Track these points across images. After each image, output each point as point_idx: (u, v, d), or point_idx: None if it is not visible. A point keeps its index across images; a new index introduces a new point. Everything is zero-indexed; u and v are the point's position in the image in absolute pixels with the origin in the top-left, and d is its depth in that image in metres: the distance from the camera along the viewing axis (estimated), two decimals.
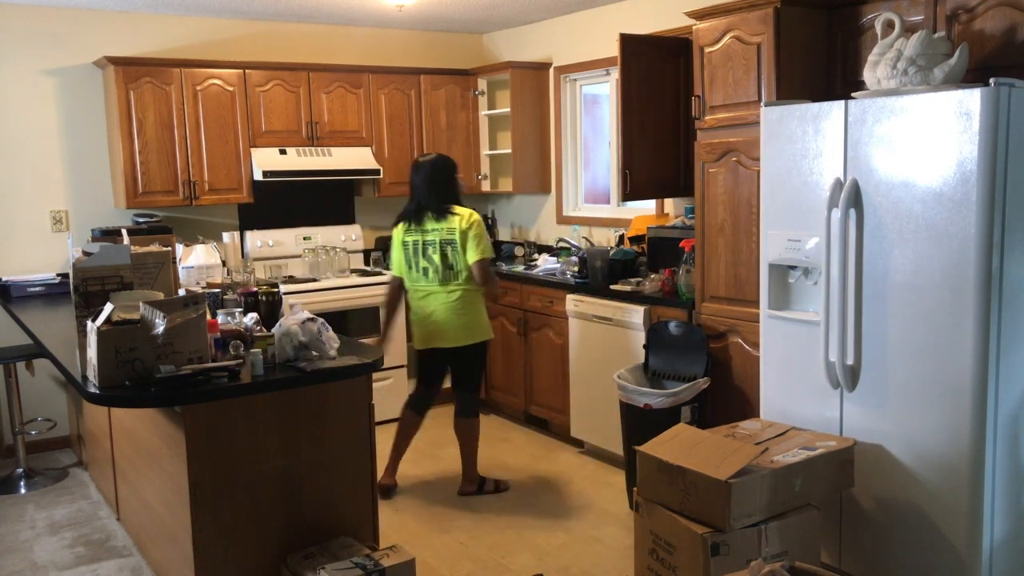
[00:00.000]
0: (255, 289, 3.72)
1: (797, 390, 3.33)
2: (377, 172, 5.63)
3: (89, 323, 2.80)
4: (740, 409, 3.77)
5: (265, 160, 5.31)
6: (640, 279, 4.56)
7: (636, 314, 4.32)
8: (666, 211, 5.06)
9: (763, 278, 3.43)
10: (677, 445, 2.92)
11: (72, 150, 5.20)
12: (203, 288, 4.67)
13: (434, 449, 5.02)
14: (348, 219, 6.02)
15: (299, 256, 5.60)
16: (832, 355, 3.13)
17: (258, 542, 2.97)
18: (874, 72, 3.14)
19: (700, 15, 3.85)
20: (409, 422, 4.40)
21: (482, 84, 6.12)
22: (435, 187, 4.13)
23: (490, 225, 6.21)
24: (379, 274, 5.56)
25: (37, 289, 4.91)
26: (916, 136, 2.84)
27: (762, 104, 3.39)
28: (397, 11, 5.34)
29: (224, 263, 5.29)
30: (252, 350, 3.00)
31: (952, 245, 2.77)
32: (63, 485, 4.64)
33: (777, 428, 3.20)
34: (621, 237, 5.18)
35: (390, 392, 5.46)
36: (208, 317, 2.95)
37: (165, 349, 2.76)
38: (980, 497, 2.80)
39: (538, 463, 4.73)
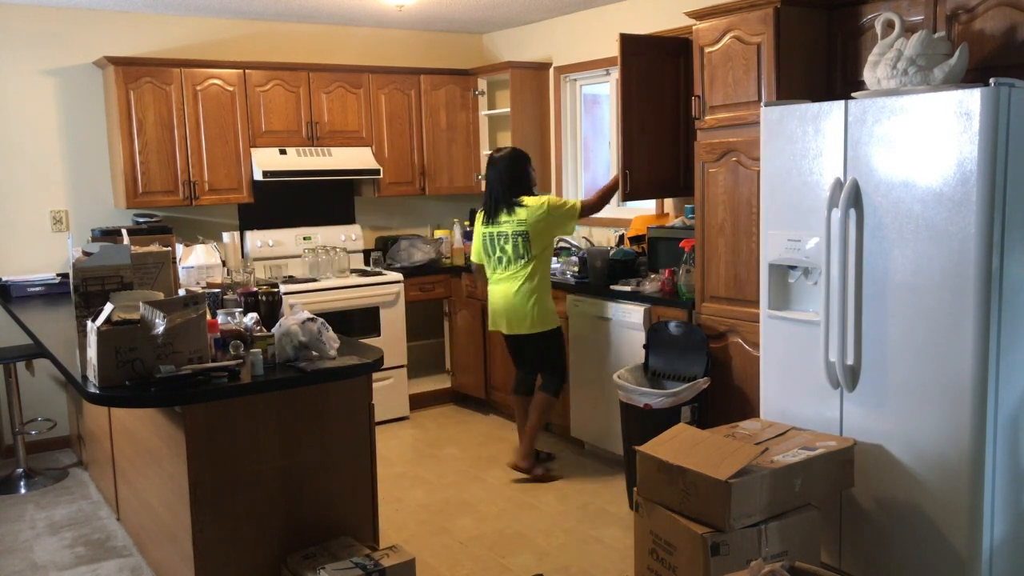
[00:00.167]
0: (255, 289, 3.72)
1: (797, 390, 3.33)
2: (377, 172, 5.63)
3: (89, 323, 2.80)
4: (740, 409, 3.77)
5: (265, 160, 5.31)
6: (640, 279, 4.56)
7: (636, 314, 4.32)
8: (666, 211, 5.06)
9: (763, 278, 3.43)
10: (677, 445, 2.92)
11: (72, 150, 5.20)
12: (203, 288, 4.66)
13: (434, 449, 5.03)
14: (348, 219, 6.02)
15: (299, 256, 5.60)
16: (832, 355, 3.13)
17: (258, 542, 2.97)
18: (874, 72, 3.14)
19: (700, 15, 3.85)
20: (520, 407, 4.60)
21: (482, 84, 6.12)
22: (507, 182, 4.39)
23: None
24: (379, 274, 5.56)
25: (37, 289, 4.91)
26: (916, 136, 2.84)
27: (762, 104, 3.39)
28: (397, 11, 5.34)
29: (224, 263, 5.29)
30: (252, 350, 3.00)
31: (952, 245, 2.77)
32: (63, 485, 4.64)
33: (777, 428, 3.20)
34: (621, 237, 5.18)
35: (390, 392, 5.47)
36: (208, 317, 2.95)
37: (165, 349, 2.76)
38: (980, 497, 2.80)
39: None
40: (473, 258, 4.68)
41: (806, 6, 3.58)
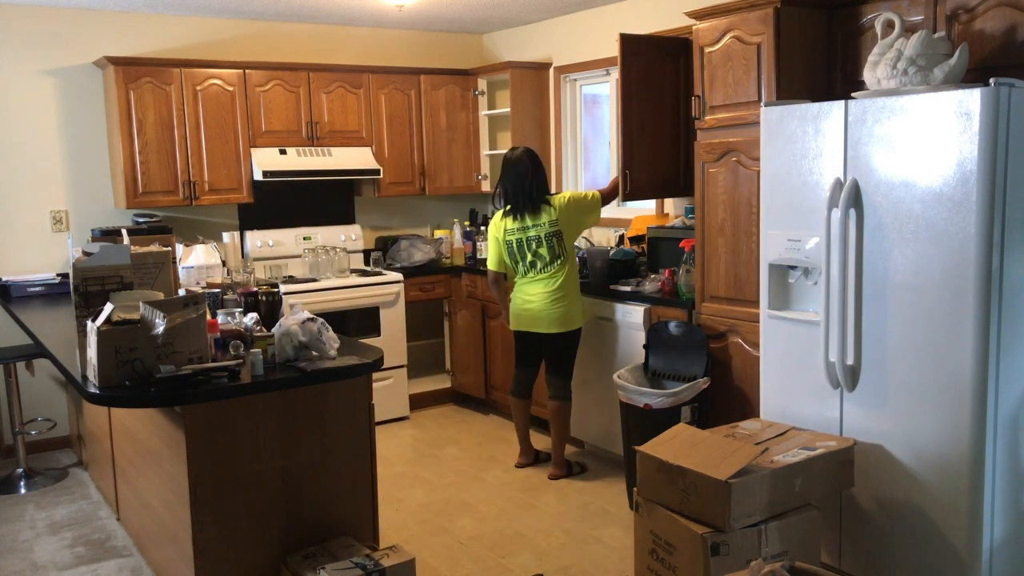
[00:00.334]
0: (255, 289, 3.72)
1: (797, 390, 3.33)
2: (377, 172, 5.63)
3: (89, 323, 2.80)
4: (740, 409, 3.77)
5: (265, 160, 5.31)
6: (640, 279, 4.56)
7: (636, 314, 4.32)
8: (666, 211, 5.06)
9: (763, 278, 3.43)
10: (677, 445, 2.92)
11: (72, 150, 5.20)
12: (203, 288, 4.67)
13: (434, 449, 5.03)
14: (348, 219, 6.02)
15: (299, 256, 5.60)
16: (832, 355, 3.13)
17: (258, 542, 2.97)
18: (874, 72, 3.14)
19: (700, 15, 3.85)
20: (519, 409, 4.63)
21: (482, 84, 6.12)
22: (534, 181, 4.31)
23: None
24: (379, 274, 5.56)
25: (37, 289, 4.91)
26: (916, 136, 2.84)
27: (762, 104, 3.39)
28: (397, 11, 5.34)
29: (224, 263, 5.29)
30: (252, 350, 3.00)
31: (952, 245, 2.77)
32: (63, 485, 4.64)
33: (777, 428, 3.20)
34: (621, 237, 5.18)
35: (390, 392, 5.47)
36: (208, 317, 2.95)
37: (165, 349, 2.76)
38: (980, 497, 2.80)
39: (538, 463, 4.73)
40: (491, 266, 4.51)
41: (806, 6, 3.58)
